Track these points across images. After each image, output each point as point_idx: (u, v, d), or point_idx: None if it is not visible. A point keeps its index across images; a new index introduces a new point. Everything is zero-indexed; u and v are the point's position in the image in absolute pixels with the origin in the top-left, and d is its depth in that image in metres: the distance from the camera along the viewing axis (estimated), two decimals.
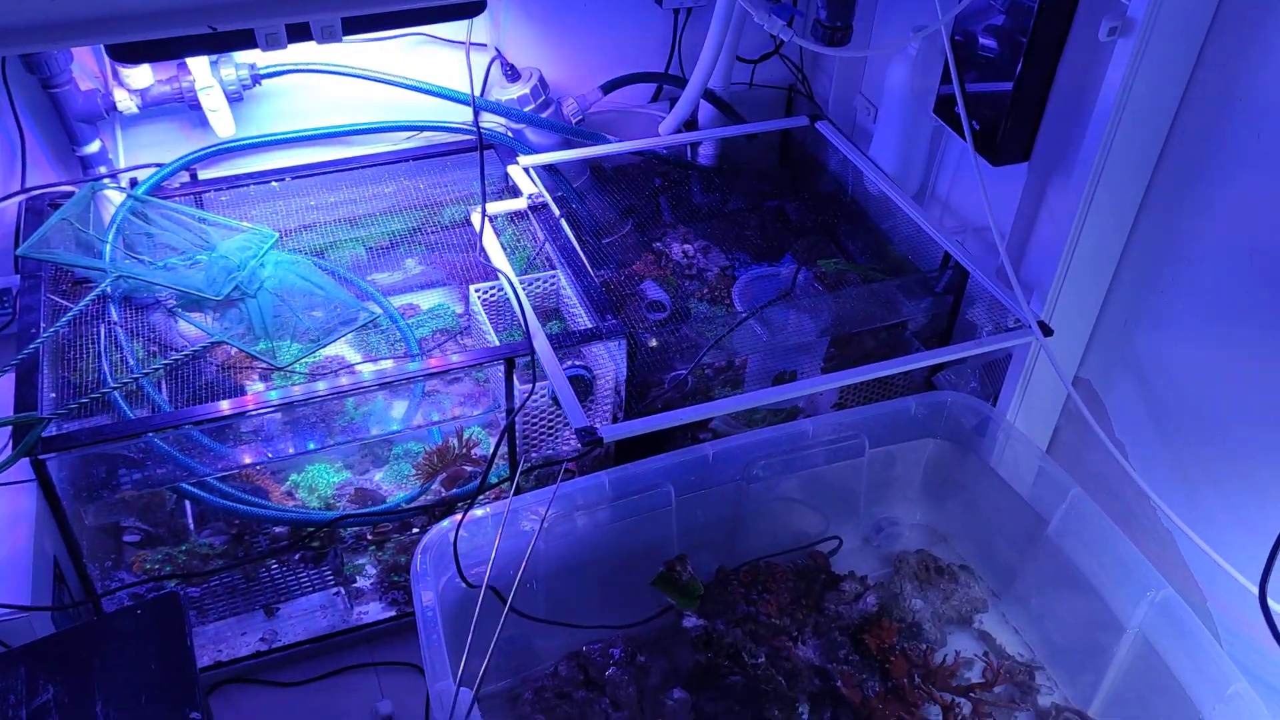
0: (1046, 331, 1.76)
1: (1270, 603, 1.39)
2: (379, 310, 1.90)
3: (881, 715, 1.65)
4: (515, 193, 2.07)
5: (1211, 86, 1.56)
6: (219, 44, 1.34)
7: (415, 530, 1.91)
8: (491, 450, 1.74)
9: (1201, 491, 1.71)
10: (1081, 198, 1.69)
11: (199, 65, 1.88)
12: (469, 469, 1.88)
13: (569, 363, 1.77)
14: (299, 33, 1.18)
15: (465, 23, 2.05)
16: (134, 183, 1.98)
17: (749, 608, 1.75)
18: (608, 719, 1.60)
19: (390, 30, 1.94)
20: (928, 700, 1.69)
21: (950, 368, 2.06)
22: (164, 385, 1.76)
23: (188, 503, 1.83)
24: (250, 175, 2.05)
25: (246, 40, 1.21)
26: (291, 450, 1.72)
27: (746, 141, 2.31)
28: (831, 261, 2.16)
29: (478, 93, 2.14)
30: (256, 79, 1.96)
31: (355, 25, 1.49)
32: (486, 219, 1.93)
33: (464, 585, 1.64)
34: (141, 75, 1.88)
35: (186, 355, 1.74)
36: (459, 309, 2.14)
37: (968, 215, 2.07)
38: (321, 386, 1.64)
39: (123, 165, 2.00)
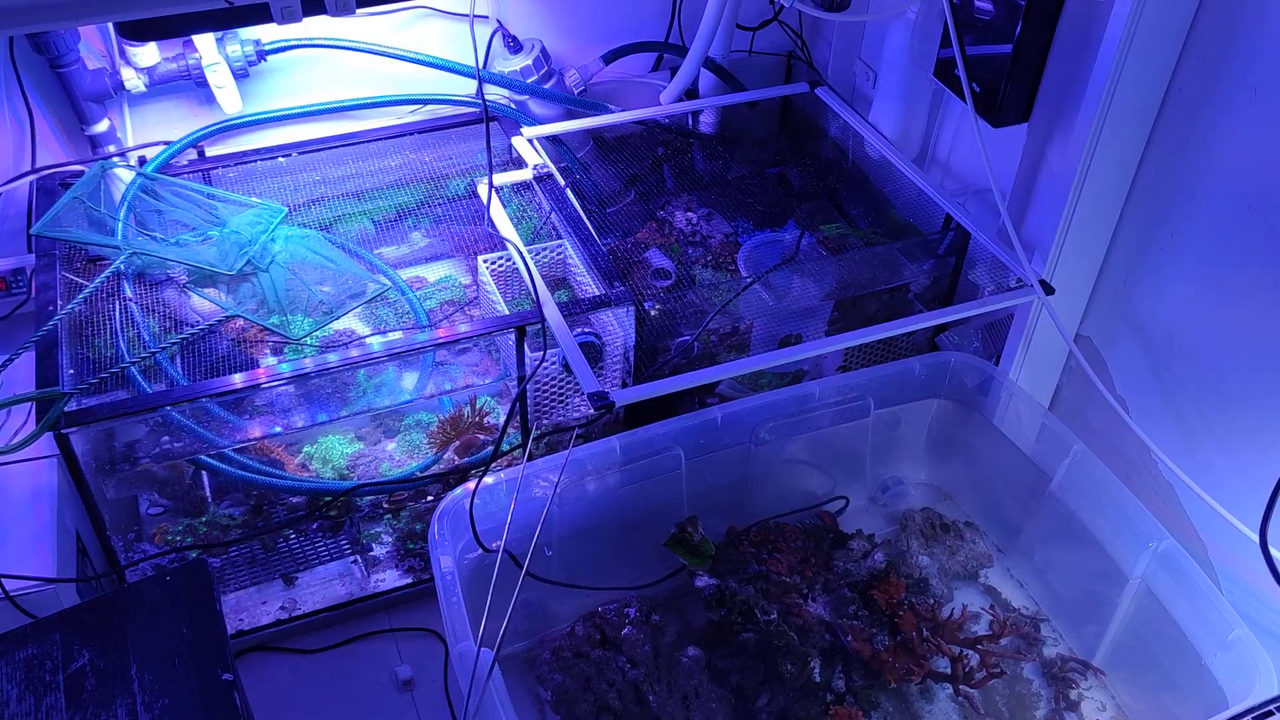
0: (1048, 290, 1.78)
1: (1271, 549, 1.42)
2: (388, 283, 1.92)
3: (891, 668, 1.69)
4: (520, 164, 2.09)
5: (1208, 43, 1.58)
6: (230, 19, 1.36)
7: (430, 498, 1.94)
8: (504, 418, 1.77)
9: (1201, 442, 1.74)
10: (1081, 157, 1.71)
11: (205, 42, 1.90)
12: (482, 437, 1.91)
13: (579, 330, 1.79)
14: (313, 6, 1.20)
15: None
16: (143, 161, 1.99)
17: (760, 566, 1.79)
18: (624, 676, 1.63)
19: (396, 3, 1.95)
20: (936, 652, 1.73)
21: (953, 328, 2.08)
22: (179, 360, 1.79)
23: (205, 475, 1.87)
24: (258, 151, 2.07)
25: (259, 15, 1.23)
26: (302, 423, 1.75)
27: (747, 109, 2.33)
28: (834, 226, 2.18)
29: (480, 65, 2.15)
30: (262, 55, 1.98)
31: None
32: (493, 190, 1.95)
33: (480, 551, 1.68)
34: (148, 53, 1.89)
35: (201, 330, 1.76)
36: (466, 280, 2.17)
37: (968, 177, 2.09)
38: (333, 358, 1.66)
39: (131, 144, 2.02)
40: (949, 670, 1.73)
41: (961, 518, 2.01)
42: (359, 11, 2.00)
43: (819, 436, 1.95)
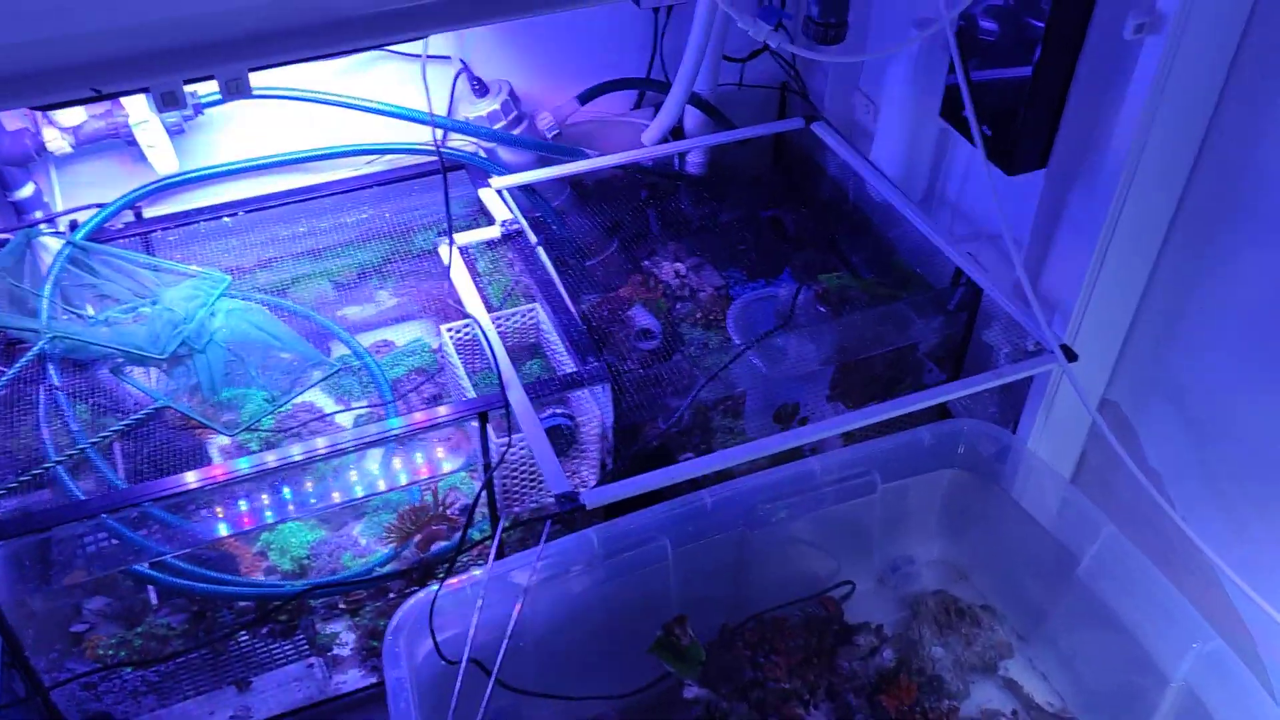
0: (1071, 357, 1.60)
1: None
2: (339, 365, 1.75)
3: None
4: (489, 217, 1.91)
5: (1252, 85, 1.40)
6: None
7: (392, 595, 1.77)
8: (468, 514, 1.59)
9: (1247, 523, 1.56)
10: (1110, 208, 1.53)
11: (133, 100, 1.72)
12: (446, 528, 1.74)
13: (548, 411, 1.62)
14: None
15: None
16: (74, 225, 1.83)
17: (755, 672, 1.61)
18: None
19: (347, 50, 1.78)
20: None
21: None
22: (117, 451, 1.62)
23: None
24: (200, 211, 1.90)
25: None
26: (248, 526, 1.58)
27: (738, 147, 2.14)
28: (834, 276, 2.00)
29: (443, 110, 1.98)
30: (199, 109, 1.81)
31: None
32: (455, 251, 1.78)
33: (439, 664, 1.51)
34: (72, 113, 1.72)
35: (133, 421, 1.59)
36: (436, 344, 1.99)
37: (980, 221, 1.90)
38: (296, 452, 1.49)
39: (60, 208, 1.85)
40: None
41: (978, 600, 1.83)
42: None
43: (821, 516, 1.77)
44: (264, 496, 1.61)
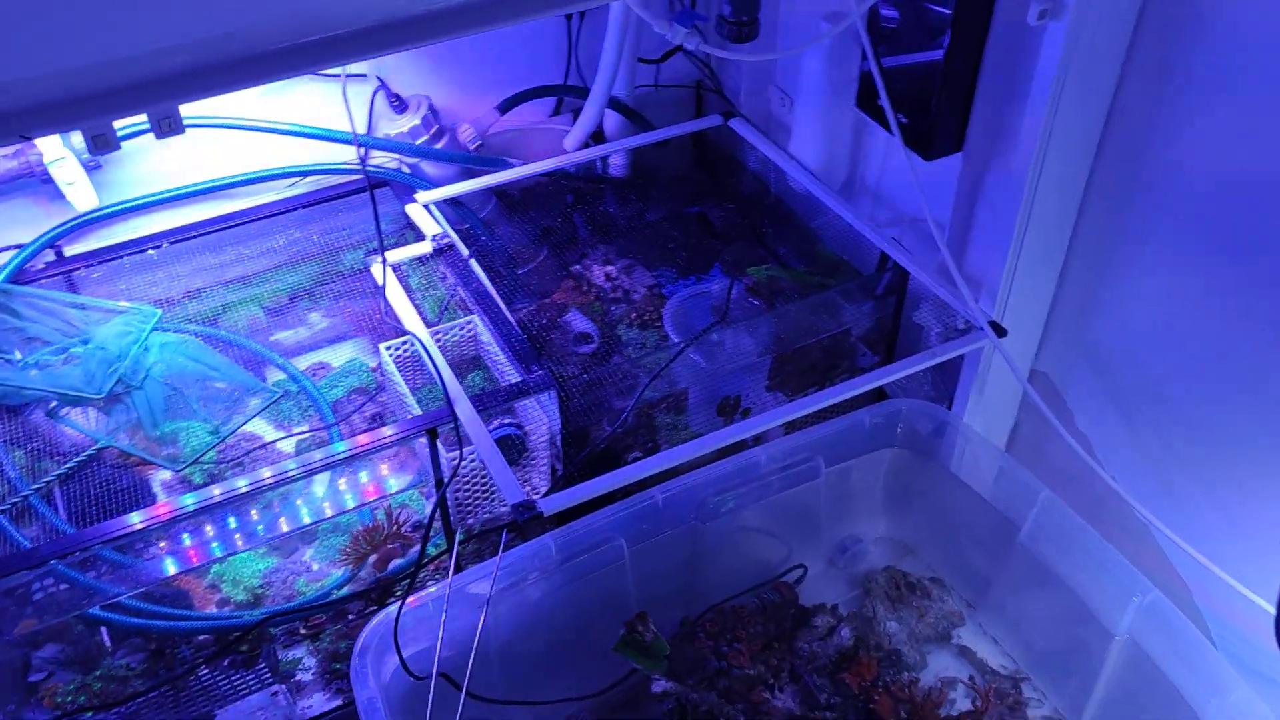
0: (1000, 332, 1.66)
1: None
2: (280, 391, 1.74)
3: None
4: (417, 233, 1.92)
5: (1149, 65, 1.46)
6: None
7: (352, 617, 1.77)
8: (425, 529, 1.60)
9: (1174, 478, 1.64)
10: (1025, 187, 1.59)
11: (46, 139, 1.69)
12: (401, 546, 1.74)
13: (496, 422, 1.63)
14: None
15: None
16: None
17: (719, 661, 1.64)
18: None
19: None
20: None
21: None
22: (58, 496, 1.60)
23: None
24: (124, 245, 1.86)
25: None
26: (198, 561, 1.56)
27: (658, 148, 2.17)
28: (762, 268, 2.04)
29: (363, 129, 1.97)
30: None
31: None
32: (388, 269, 1.78)
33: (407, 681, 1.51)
34: None
35: (75, 464, 1.57)
36: (374, 362, 1.99)
37: (901, 206, 1.96)
38: (242, 484, 1.48)
39: None
40: None
41: (927, 573, 1.88)
42: None
43: (769, 504, 1.81)
44: (211, 530, 1.60)
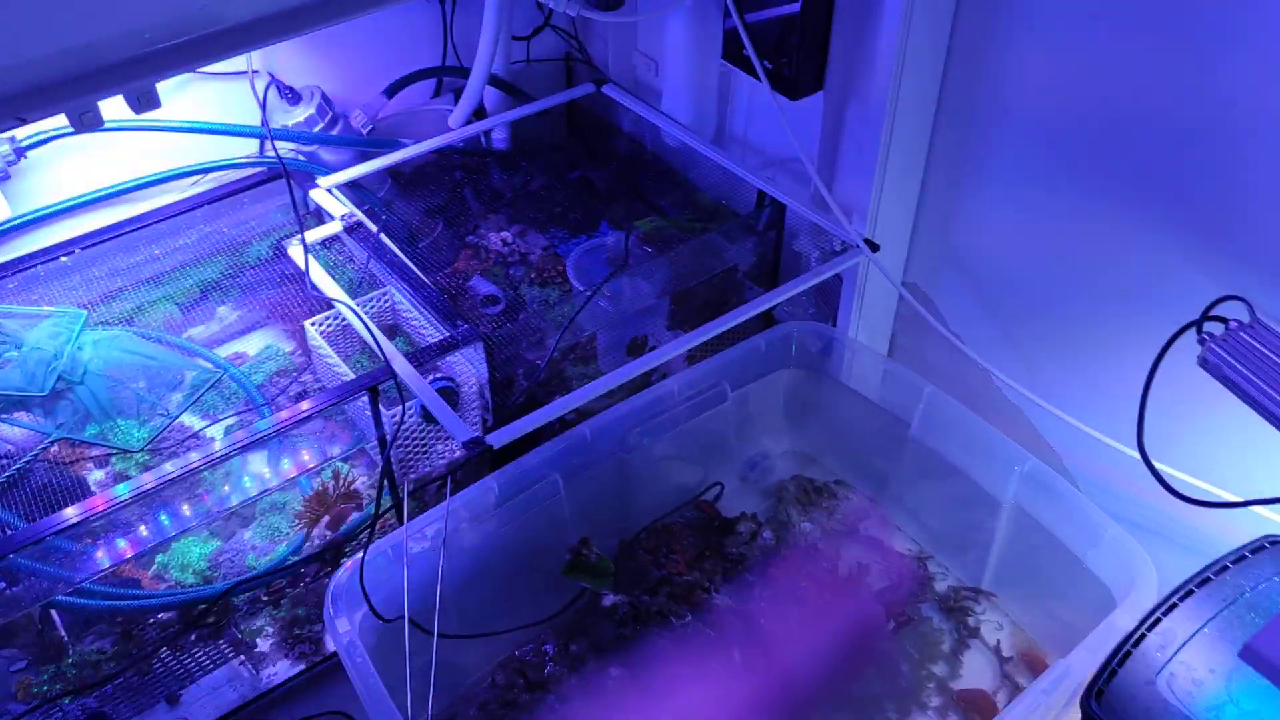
0: (874, 248, 1.85)
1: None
2: (219, 372, 1.81)
3: (804, 637, 1.73)
4: (321, 216, 2.00)
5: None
6: None
7: (309, 580, 1.85)
8: (380, 475, 1.70)
9: (1036, 361, 1.85)
10: (885, 116, 1.77)
11: None
12: (350, 505, 1.84)
13: (431, 378, 1.74)
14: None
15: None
16: None
17: (661, 571, 1.79)
18: (554, 712, 1.61)
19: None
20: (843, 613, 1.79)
21: (788, 299, 2.13)
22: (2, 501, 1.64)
23: (55, 615, 1.72)
24: (35, 255, 1.90)
25: None
26: (148, 533, 1.63)
27: (537, 119, 2.30)
28: (648, 221, 2.19)
29: (258, 121, 2.05)
30: (20, 153, 1.82)
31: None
32: (307, 250, 1.87)
33: (375, 623, 1.61)
34: None
35: (23, 462, 1.62)
36: (289, 347, 2.07)
37: (770, 150, 2.14)
38: (194, 456, 1.55)
39: None
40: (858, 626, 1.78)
41: (831, 477, 2.08)
42: None
43: (684, 430, 1.96)
44: (162, 510, 1.67)
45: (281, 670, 1.86)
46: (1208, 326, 1.30)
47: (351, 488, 1.82)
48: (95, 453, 1.74)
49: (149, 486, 1.53)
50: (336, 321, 1.87)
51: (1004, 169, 1.76)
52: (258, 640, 1.85)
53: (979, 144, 1.78)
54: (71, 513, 1.49)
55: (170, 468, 1.55)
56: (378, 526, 1.83)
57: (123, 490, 1.51)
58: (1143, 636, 1.28)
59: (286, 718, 1.85)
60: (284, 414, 1.64)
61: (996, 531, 1.85)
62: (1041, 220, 1.75)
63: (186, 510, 1.70)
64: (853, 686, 1.76)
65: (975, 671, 1.82)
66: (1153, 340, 1.38)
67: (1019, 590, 1.87)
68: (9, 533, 1.54)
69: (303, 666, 1.86)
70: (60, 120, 1.83)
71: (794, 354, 2.04)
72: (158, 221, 2.00)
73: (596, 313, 1.96)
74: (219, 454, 1.57)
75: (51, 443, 1.62)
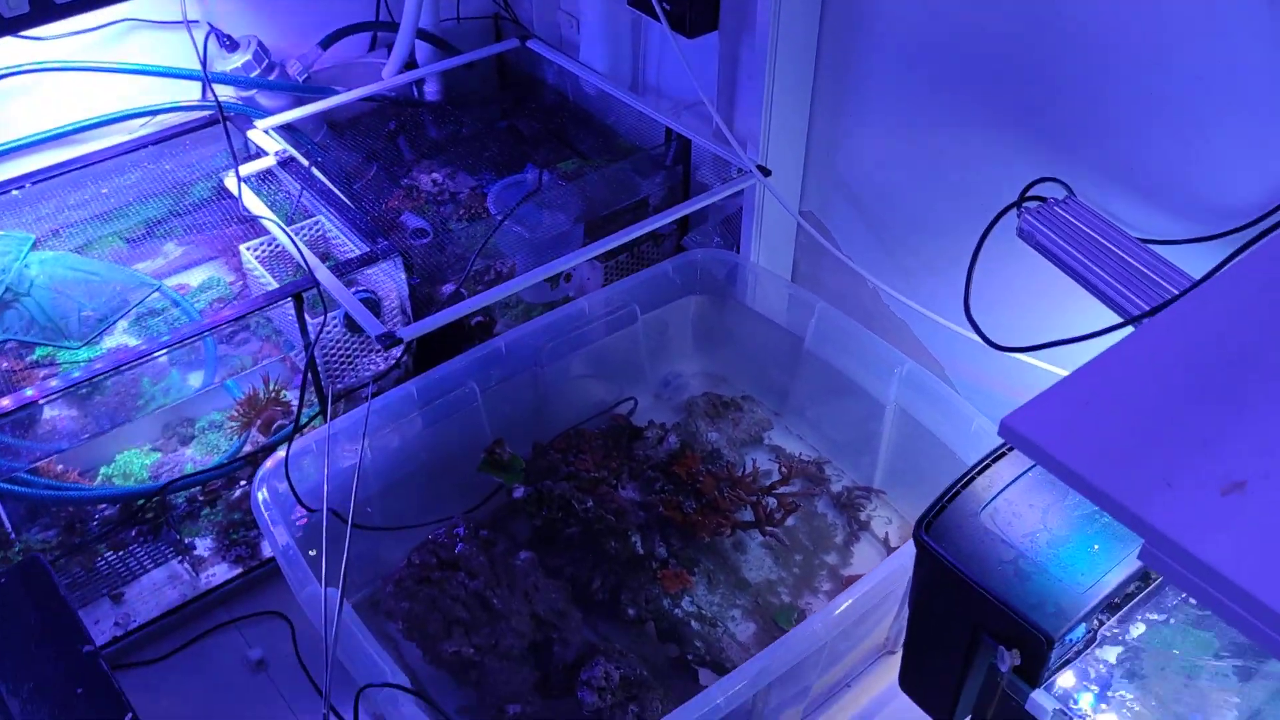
0: (765, 173, 2.00)
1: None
2: (158, 283, 1.95)
3: (703, 525, 1.87)
4: (259, 155, 2.15)
5: None
6: None
7: (244, 483, 1.99)
8: (301, 384, 1.84)
9: (917, 274, 2.00)
10: (768, 50, 1.93)
11: None
12: (280, 410, 1.97)
13: (354, 290, 1.88)
14: None
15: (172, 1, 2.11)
16: None
17: (569, 468, 1.93)
18: (466, 589, 1.74)
19: (105, 10, 1.97)
20: (739, 506, 1.93)
21: (695, 229, 2.29)
22: None
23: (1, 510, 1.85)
24: None
25: None
26: (91, 432, 1.76)
27: (466, 71, 2.45)
28: (569, 163, 2.35)
29: (198, 67, 2.19)
30: None
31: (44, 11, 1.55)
32: (241, 180, 2.01)
33: (305, 514, 1.75)
34: None
35: None
36: (230, 278, 2.20)
37: (678, 94, 2.30)
38: (135, 342, 1.68)
39: None
40: (753, 519, 1.93)
41: (738, 394, 2.22)
42: (62, 29, 2.02)
43: (597, 349, 2.11)
44: (101, 413, 1.81)
45: (220, 573, 1.99)
46: (1026, 205, 1.46)
47: (281, 395, 1.95)
48: (46, 369, 1.88)
49: (79, 379, 1.67)
50: (270, 247, 2.01)
51: (881, 97, 1.91)
52: (196, 541, 1.98)
53: (857, 74, 1.93)
54: (6, 401, 1.63)
55: (99, 366, 1.69)
56: (306, 431, 1.97)
57: (56, 383, 1.66)
58: (972, 479, 1.43)
59: (225, 616, 1.98)
60: (221, 313, 1.79)
61: (884, 434, 2.00)
62: (910, 142, 1.90)
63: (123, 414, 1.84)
64: (747, 571, 1.91)
65: (865, 560, 1.96)
66: (1001, 241, 1.52)
67: (905, 486, 2.02)
68: None
69: (240, 570, 1.99)
70: (12, 58, 1.99)
71: (700, 280, 2.19)
72: (105, 160, 2.14)
73: (516, 240, 2.11)
74: (143, 351, 1.71)
75: (2, 344, 1.75)
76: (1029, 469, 1.44)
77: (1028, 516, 1.39)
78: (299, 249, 1.83)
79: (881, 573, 1.62)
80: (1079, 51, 1.54)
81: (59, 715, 1.23)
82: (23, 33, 1.80)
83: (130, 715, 1.23)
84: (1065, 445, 1.04)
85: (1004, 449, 1.48)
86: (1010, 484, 1.43)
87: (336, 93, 2.29)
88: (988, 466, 1.45)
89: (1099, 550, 1.33)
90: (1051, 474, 1.17)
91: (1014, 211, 1.53)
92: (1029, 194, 1.46)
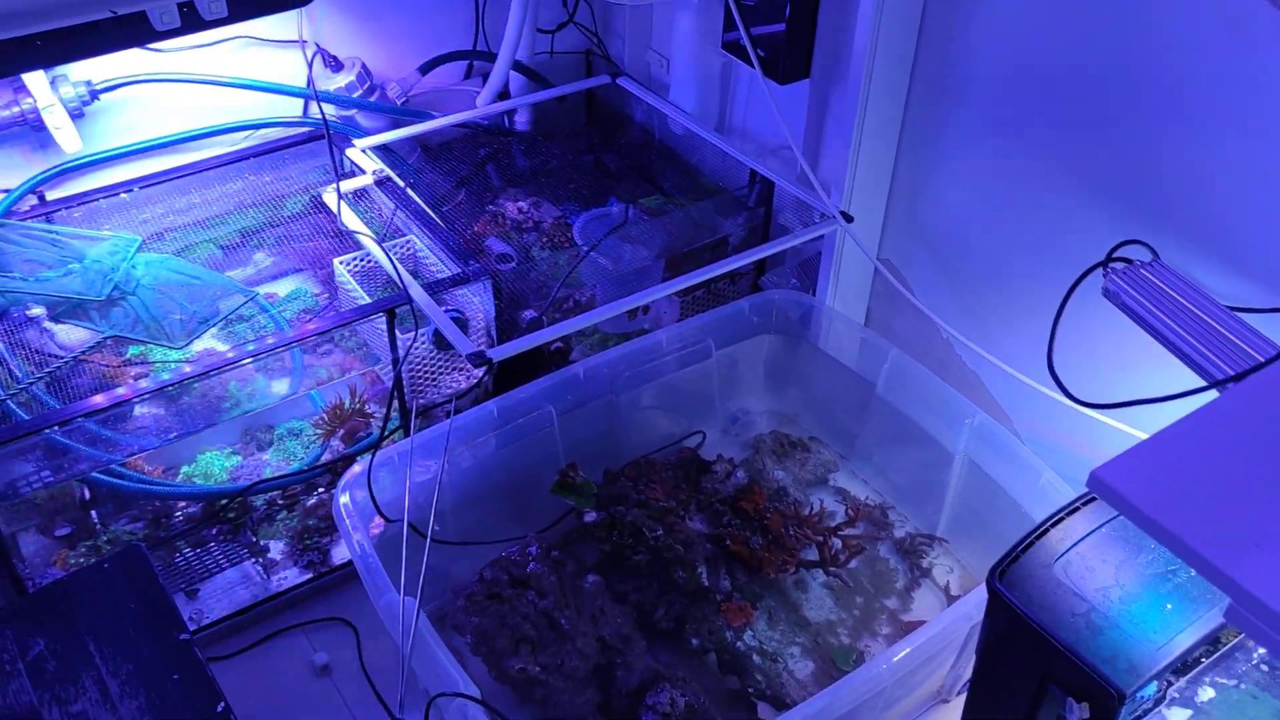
0: (848, 219, 2.04)
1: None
2: (255, 291, 2.02)
3: (768, 562, 1.90)
4: (356, 174, 2.22)
5: None
6: (85, 48, 1.43)
7: (322, 490, 2.05)
8: (389, 396, 1.90)
9: (992, 328, 2.02)
10: (859, 100, 1.97)
11: (38, 85, 1.96)
12: (364, 422, 2.03)
13: (444, 308, 1.94)
14: (191, 21, 1.33)
15: (284, 22, 2.20)
16: None
17: (639, 496, 1.97)
18: (536, 608, 1.78)
19: (224, 28, 2.05)
20: (804, 544, 1.96)
21: (772, 270, 2.33)
22: (51, 394, 1.84)
23: (87, 493, 1.92)
24: (99, 190, 2.12)
25: (132, 34, 1.34)
26: (177, 433, 1.83)
27: (556, 104, 2.52)
28: (651, 199, 2.40)
29: (304, 86, 2.28)
30: (94, 94, 2.05)
31: (187, 19, 1.63)
32: (341, 196, 2.08)
33: (383, 523, 1.79)
34: None
35: (69, 359, 1.82)
36: (316, 290, 2.28)
37: (764, 138, 2.35)
38: (225, 349, 1.75)
39: None
40: (818, 558, 1.95)
41: (806, 435, 2.25)
42: (182, 44, 2.11)
43: (670, 381, 2.16)
44: (187, 416, 1.87)
45: (291, 577, 2.04)
46: (1113, 265, 1.49)
47: (364, 406, 2.01)
48: (137, 368, 1.95)
49: (170, 381, 1.73)
50: (364, 262, 2.08)
51: (964, 151, 1.95)
52: (270, 544, 2.04)
53: (943, 128, 1.98)
54: (99, 399, 1.70)
55: (190, 369, 1.76)
56: (386, 444, 2.02)
57: (146, 383, 1.72)
58: (1046, 531, 1.45)
59: (293, 619, 2.03)
60: (309, 325, 1.85)
61: (950, 483, 2.02)
62: (993, 198, 1.93)
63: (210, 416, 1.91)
64: (808, 610, 1.93)
65: (925, 607, 1.98)
66: (1083, 300, 1.55)
67: (968, 536, 2.04)
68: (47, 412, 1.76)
69: (310, 576, 2.05)
70: (132, 66, 2.09)
71: (775, 320, 2.23)
72: (208, 169, 2.22)
73: (598, 271, 2.16)
74: (236, 357, 1.77)
75: (105, 340, 1.82)
76: (1103, 524, 1.46)
77: (1101, 571, 1.41)
78: (394, 266, 1.89)
79: (945, 620, 1.64)
80: (1171, 115, 1.57)
81: (155, 698, 1.28)
82: (151, 45, 1.88)
83: (223, 705, 1.28)
84: (1156, 501, 1.06)
85: (1078, 503, 1.50)
86: (1084, 538, 1.45)
87: (432, 117, 2.37)
88: (1061, 520, 1.47)
89: (1172, 609, 1.34)
90: (1138, 528, 1.20)
91: (1097, 271, 1.56)
92: (1115, 255, 1.49)
